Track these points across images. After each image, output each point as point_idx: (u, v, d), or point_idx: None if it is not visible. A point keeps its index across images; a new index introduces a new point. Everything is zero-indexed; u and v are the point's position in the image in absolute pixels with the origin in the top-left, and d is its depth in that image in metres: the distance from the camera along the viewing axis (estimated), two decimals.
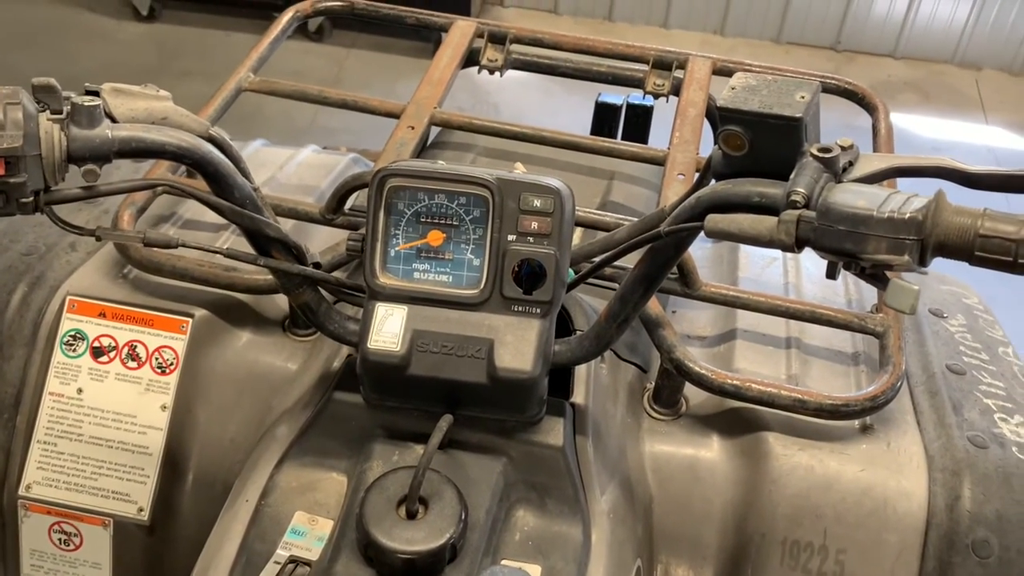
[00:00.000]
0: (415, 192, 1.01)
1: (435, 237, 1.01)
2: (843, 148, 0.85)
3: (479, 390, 1.00)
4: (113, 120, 0.93)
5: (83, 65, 4.25)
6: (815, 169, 0.83)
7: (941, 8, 4.71)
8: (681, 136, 1.50)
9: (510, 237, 0.99)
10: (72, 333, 1.29)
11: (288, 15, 1.69)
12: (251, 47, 1.62)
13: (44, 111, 0.89)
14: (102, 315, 1.29)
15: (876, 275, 0.81)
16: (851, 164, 0.86)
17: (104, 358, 1.28)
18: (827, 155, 0.83)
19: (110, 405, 1.27)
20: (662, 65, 1.69)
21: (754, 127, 0.86)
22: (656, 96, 1.70)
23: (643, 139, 2.00)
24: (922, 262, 0.78)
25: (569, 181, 1.02)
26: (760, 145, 0.86)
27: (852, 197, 0.79)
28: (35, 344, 1.29)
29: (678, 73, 1.67)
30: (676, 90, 1.65)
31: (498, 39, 1.72)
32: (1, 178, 0.86)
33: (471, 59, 1.71)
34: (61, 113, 0.89)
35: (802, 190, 0.81)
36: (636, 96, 1.91)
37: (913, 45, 4.82)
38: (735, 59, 1.69)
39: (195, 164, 0.96)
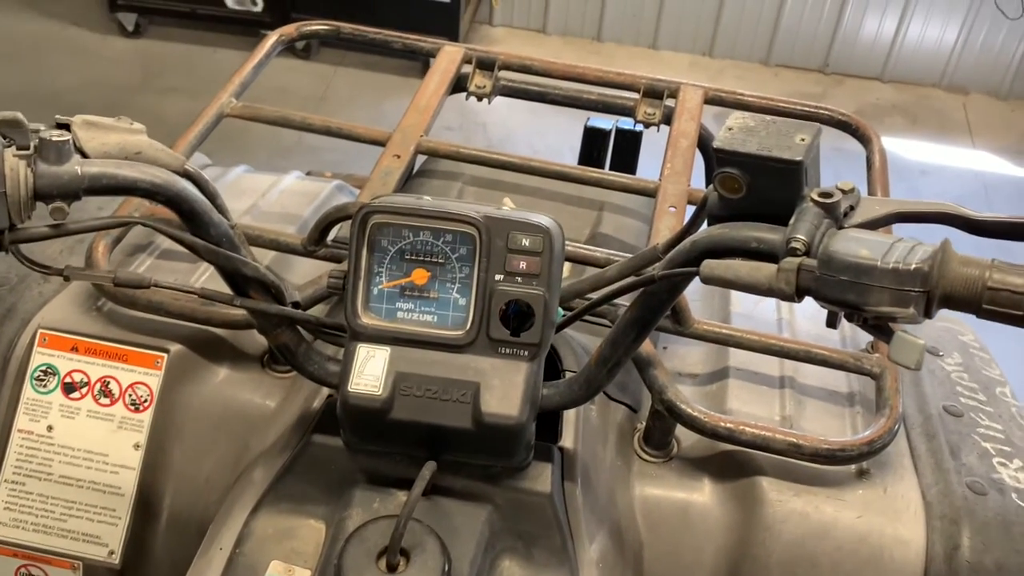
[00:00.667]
0: (399, 229, 0.97)
1: (420, 276, 0.98)
2: (844, 192, 0.82)
3: (464, 436, 0.96)
4: (84, 155, 0.89)
5: (67, 81, 4.20)
6: (815, 215, 0.80)
7: (929, 32, 4.71)
8: (673, 167, 1.47)
9: (497, 276, 0.95)
10: (43, 368, 1.24)
11: (272, 39, 1.65)
12: (236, 66, 1.57)
13: (10, 146, 0.84)
14: (74, 349, 1.24)
15: (879, 327, 0.78)
16: (852, 209, 0.83)
17: (76, 394, 1.23)
18: (828, 200, 0.80)
19: (81, 443, 1.22)
20: (653, 94, 1.65)
21: (752, 170, 0.83)
22: (647, 125, 1.67)
23: (632, 165, 1.98)
24: (927, 314, 0.75)
25: (558, 212, 0.99)
26: (758, 188, 0.83)
27: (855, 246, 0.76)
28: (4, 379, 1.25)
29: (669, 102, 1.64)
30: (667, 119, 1.62)
31: (486, 65, 1.68)
32: None
33: (459, 85, 1.68)
34: (28, 148, 0.85)
35: (802, 237, 0.78)
36: (626, 121, 1.88)
37: (901, 68, 4.82)
38: (727, 88, 1.66)
39: (168, 202, 0.92)
